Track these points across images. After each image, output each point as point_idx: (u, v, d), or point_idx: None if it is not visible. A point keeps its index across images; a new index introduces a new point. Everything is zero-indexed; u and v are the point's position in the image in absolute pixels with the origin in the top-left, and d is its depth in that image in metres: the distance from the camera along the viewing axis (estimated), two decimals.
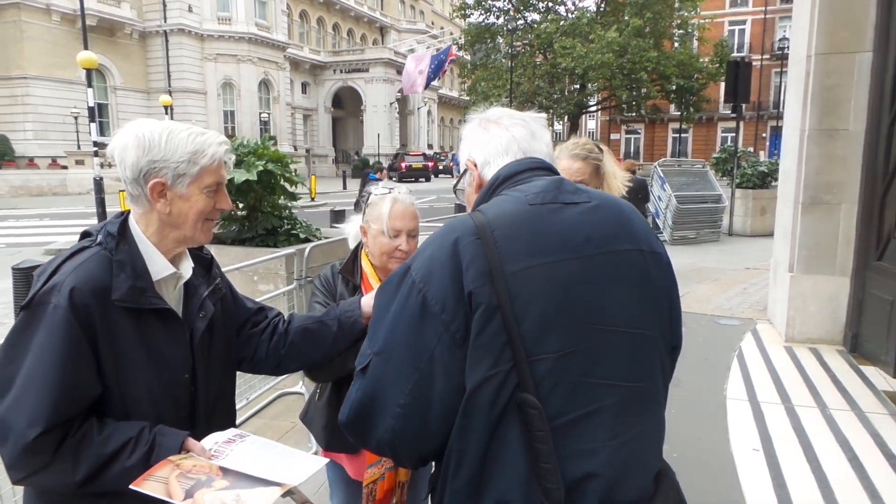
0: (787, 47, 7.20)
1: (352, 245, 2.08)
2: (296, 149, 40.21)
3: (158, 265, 1.35)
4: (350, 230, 2.09)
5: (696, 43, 36.01)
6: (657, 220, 12.56)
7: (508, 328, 1.01)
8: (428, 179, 37.53)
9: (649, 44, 31.80)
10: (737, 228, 13.23)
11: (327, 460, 1.46)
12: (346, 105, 50.21)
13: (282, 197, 5.36)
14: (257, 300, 1.76)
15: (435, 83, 43.15)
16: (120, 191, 14.85)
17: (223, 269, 1.63)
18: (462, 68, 43.25)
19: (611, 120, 47.74)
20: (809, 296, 5.45)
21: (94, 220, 13.31)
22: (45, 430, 1.16)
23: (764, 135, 44.45)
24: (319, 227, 6.03)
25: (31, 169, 27.36)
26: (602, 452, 1.05)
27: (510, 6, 37.15)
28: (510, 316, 1.01)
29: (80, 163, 26.99)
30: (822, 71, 5.27)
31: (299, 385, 4.53)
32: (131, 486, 1.17)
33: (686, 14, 34.72)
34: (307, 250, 4.47)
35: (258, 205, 5.27)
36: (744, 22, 45.51)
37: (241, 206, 5.23)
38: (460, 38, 39.90)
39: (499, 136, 1.24)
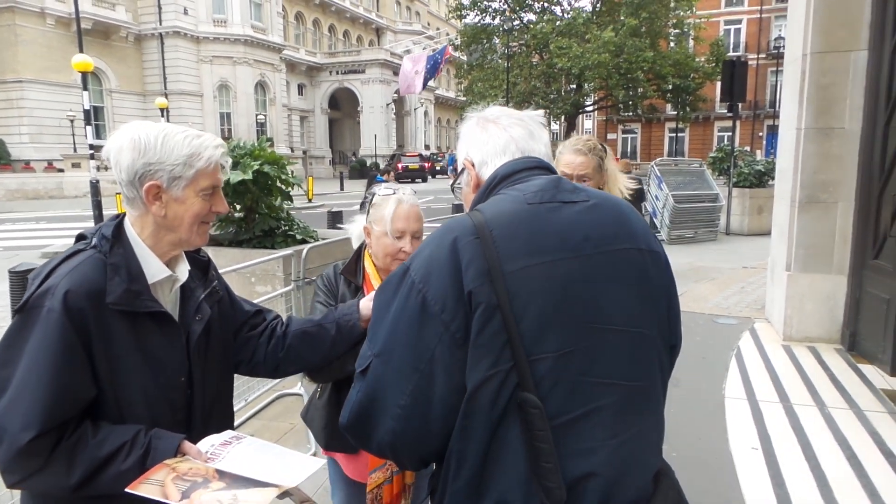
0: (783, 46, 7.21)
1: (355, 245, 2.06)
2: (293, 150, 40.16)
3: (154, 268, 1.34)
4: (353, 230, 2.08)
5: (692, 42, 36.10)
6: (654, 220, 12.57)
7: (508, 327, 1.01)
8: (425, 180, 37.51)
9: (645, 43, 31.86)
10: (734, 227, 13.25)
11: (325, 461, 1.46)
12: (343, 106, 50.19)
13: (279, 198, 5.35)
14: (255, 301, 1.75)
15: (431, 84, 43.19)
16: (116, 193, 14.84)
17: (220, 271, 1.62)
18: (458, 69, 43.31)
19: (607, 120, 47.78)
20: (807, 294, 5.46)
21: (91, 223, 13.27)
22: (39, 433, 1.16)
23: (760, 134, 44.57)
24: (317, 229, 6.02)
25: (27, 172, 27.27)
26: (602, 451, 1.05)
27: (506, 7, 37.19)
28: (509, 315, 1.01)
29: (76, 166, 26.92)
30: (818, 70, 5.28)
31: (298, 386, 4.52)
32: (127, 490, 1.17)
33: (682, 13, 34.80)
34: (305, 251, 4.46)
35: (255, 206, 5.26)
36: (739, 21, 45.65)
37: (238, 207, 5.22)
38: (456, 38, 39.92)
39: (497, 136, 1.23)
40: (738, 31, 45.56)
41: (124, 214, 1.37)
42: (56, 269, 1.26)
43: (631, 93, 35.15)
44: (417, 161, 38.90)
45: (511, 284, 1.02)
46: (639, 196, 10.69)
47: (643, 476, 1.12)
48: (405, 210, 1.87)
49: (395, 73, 42.82)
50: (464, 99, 44.38)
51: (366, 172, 41.36)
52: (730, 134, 18.46)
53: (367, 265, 1.95)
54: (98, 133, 24.51)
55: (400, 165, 36.72)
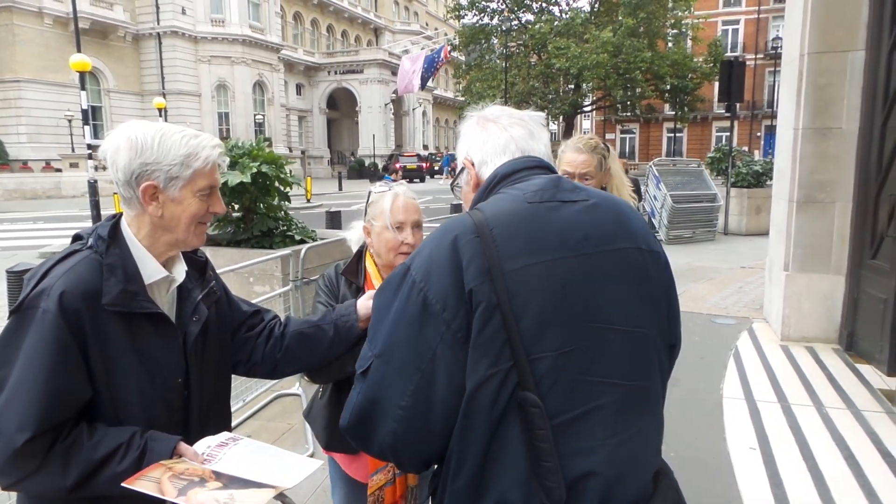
0: (781, 47, 7.22)
1: (354, 250, 2.07)
2: (291, 150, 40.10)
3: (150, 269, 1.33)
4: (352, 236, 2.07)
5: (689, 43, 36.13)
6: (653, 220, 12.58)
7: (508, 326, 1.01)
8: (423, 180, 37.49)
9: (643, 44, 31.88)
10: (732, 227, 13.26)
11: (322, 462, 1.45)
12: (341, 106, 50.15)
13: (277, 198, 5.34)
14: (253, 302, 1.74)
15: (430, 84, 43.18)
16: (114, 193, 14.78)
17: (218, 271, 1.62)
18: (457, 69, 43.28)
19: (606, 120, 47.80)
20: (805, 294, 5.47)
21: (89, 223, 13.24)
22: (34, 434, 1.15)
23: (758, 134, 44.63)
24: (315, 229, 6.02)
25: (25, 172, 27.21)
26: (601, 451, 1.05)
27: (504, 7, 37.19)
28: (509, 314, 1.01)
29: (74, 166, 26.85)
30: (815, 70, 5.29)
31: (296, 386, 4.51)
32: (123, 484, 1.16)
33: (680, 14, 34.84)
34: (303, 252, 4.46)
35: (253, 206, 5.25)
36: (737, 21, 45.70)
37: (236, 207, 5.22)
38: (454, 38, 39.92)
39: (497, 136, 1.23)
40: (735, 31, 45.62)
41: (121, 214, 1.36)
42: (52, 269, 1.26)
43: (629, 93, 35.17)
44: (415, 161, 38.89)
45: (511, 283, 1.02)
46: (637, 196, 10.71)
47: (643, 475, 1.12)
48: (403, 202, 1.88)
49: (394, 74, 42.81)
50: (462, 99, 44.37)
51: (365, 172, 41.42)
52: (728, 134, 18.46)
53: (369, 265, 1.94)
54: (96, 133, 24.37)
55: (398, 165, 36.70)
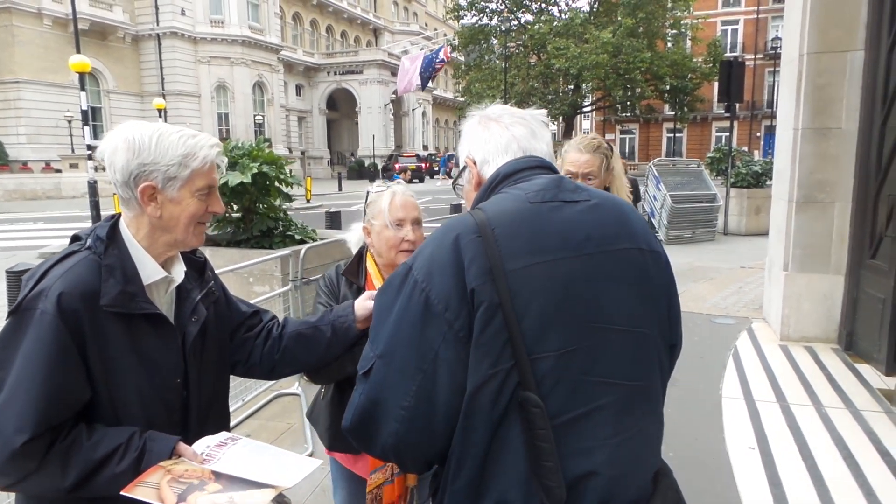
0: (780, 47, 7.22)
1: (354, 252, 2.06)
2: (290, 151, 40.12)
3: (149, 269, 1.33)
4: (351, 237, 2.07)
5: (689, 43, 36.15)
6: (653, 220, 12.59)
7: (509, 326, 1.00)
8: (422, 180, 37.51)
9: (643, 44, 31.92)
10: (732, 227, 13.26)
11: (321, 462, 1.45)
12: (341, 107, 50.15)
13: (277, 198, 5.35)
14: (253, 302, 1.74)
15: (429, 84, 43.19)
16: (114, 194, 14.77)
17: (218, 271, 1.62)
18: (456, 69, 43.30)
19: (605, 120, 47.82)
20: (804, 294, 5.47)
21: (89, 224, 13.23)
22: (33, 435, 1.15)
23: (758, 134, 44.64)
24: (315, 229, 6.02)
25: (24, 173, 27.23)
26: (602, 450, 1.05)
27: (503, 7, 37.20)
28: (511, 314, 1.01)
29: (74, 166, 26.86)
30: (814, 70, 5.29)
31: (295, 386, 4.51)
32: (122, 493, 1.16)
33: (679, 14, 34.86)
34: (302, 252, 4.46)
35: (253, 207, 5.25)
36: (736, 22, 45.71)
37: (235, 207, 5.22)
38: (454, 39, 39.93)
39: (499, 135, 1.23)
40: (735, 31, 45.63)
41: (119, 215, 1.36)
42: (50, 270, 1.25)
43: (629, 93, 35.21)
44: (415, 161, 38.91)
45: (513, 283, 1.02)
46: (635, 196, 10.71)
47: (643, 475, 1.12)
48: (401, 199, 1.88)
49: (393, 74, 42.82)
50: (462, 99, 44.39)
51: (365, 173, 41.42)
52: (727, 134, 18.46)
53: (370, 266, 1.94)
54: (96, 134, 24.33)
55: (397, 166, 36.72)
